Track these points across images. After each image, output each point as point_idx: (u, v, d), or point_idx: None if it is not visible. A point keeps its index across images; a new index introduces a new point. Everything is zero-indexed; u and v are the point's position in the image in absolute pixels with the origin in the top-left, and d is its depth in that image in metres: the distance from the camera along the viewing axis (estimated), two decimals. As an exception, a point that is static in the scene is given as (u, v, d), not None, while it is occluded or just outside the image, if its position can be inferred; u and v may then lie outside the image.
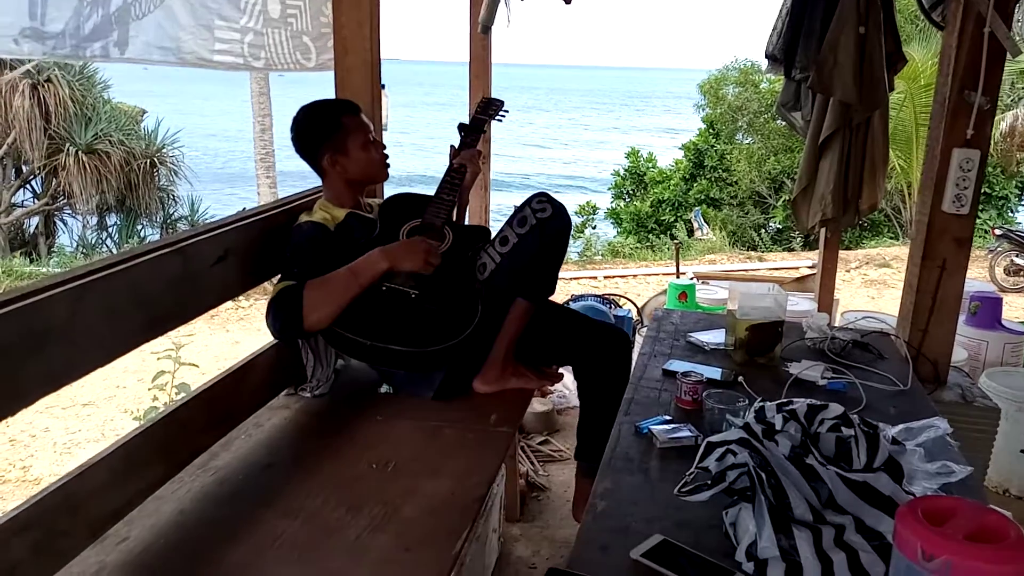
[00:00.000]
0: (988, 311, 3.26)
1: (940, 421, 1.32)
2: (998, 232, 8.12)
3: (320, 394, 1.98)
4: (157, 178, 10.95)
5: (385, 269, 1.78)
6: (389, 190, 2.31)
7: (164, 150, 11.03)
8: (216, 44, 2.98)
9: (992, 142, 9.48)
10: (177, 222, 11.39)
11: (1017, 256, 7.85)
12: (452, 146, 2.13)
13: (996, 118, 9.44)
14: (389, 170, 2.08)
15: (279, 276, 1.83)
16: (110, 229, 11.33)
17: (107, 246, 11.06)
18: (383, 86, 3.86)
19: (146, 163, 10.61)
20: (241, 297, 6.94)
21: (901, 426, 1.31)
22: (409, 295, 1.79)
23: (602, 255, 10.78)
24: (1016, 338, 3.25)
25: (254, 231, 1.87)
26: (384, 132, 3.94)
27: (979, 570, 0.90)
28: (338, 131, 1.95)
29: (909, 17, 8.87)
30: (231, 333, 6.24)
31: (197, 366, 3.82)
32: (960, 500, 1.01)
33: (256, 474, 1.63)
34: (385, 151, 2.06)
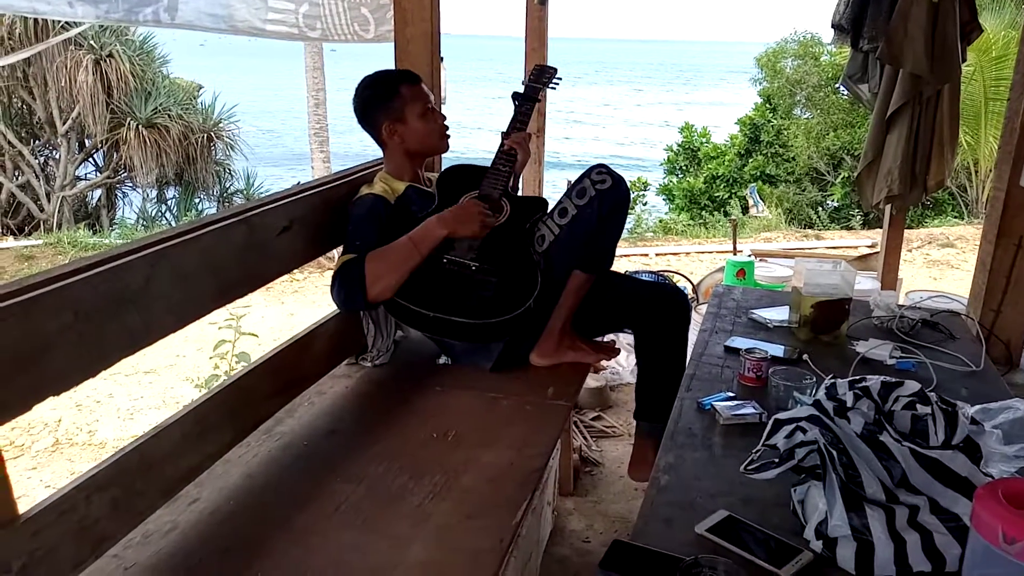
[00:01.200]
0: (1062, 292, 3.13)
1: (1019, 403, 1.28)
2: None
3: (380, 364, 2.01)
4: (214, 152, 11.16)
5: (443, 236, 1.79)
6: (445, 164, 2.32)
7: (221, 124, 11.22)
8: (269, 14, 2.99)
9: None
10: (233, 195, 11.61)
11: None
12: (501, 132, 2.12)
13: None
14: (449, 142, 2.08)
15: (341, 249, 1.85)
16: (169, 202, 11.61)
17: (166, 219, 11.34)
18: (441, 59, 3.86)
19: (203, 137, 10.81)
20: (295, 270, 7.06)
21: (977, 407, 1.27)
22: (469, 267, 1.80)
23: (653, 232, 10.65)
24: (1092, 321, 3.12)
25: (317, 202, 1.90)
26: (442, 106, 3.94)
27: (1063, 554, 0.87)
28: (396, 99, 1.96)
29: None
30: (286, 305, 6.35)
31: (256, 336, 3.90)
32: (1043, 483, 0.98)
33: (320, 440, 1.66)
34: (445, 122, 2.06)
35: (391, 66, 2.30)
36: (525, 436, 1.67)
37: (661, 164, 14.70)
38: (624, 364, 3.36)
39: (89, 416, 4.20)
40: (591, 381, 3.15)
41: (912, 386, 1.12)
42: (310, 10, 3.11)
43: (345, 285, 1.73)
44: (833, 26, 3.14)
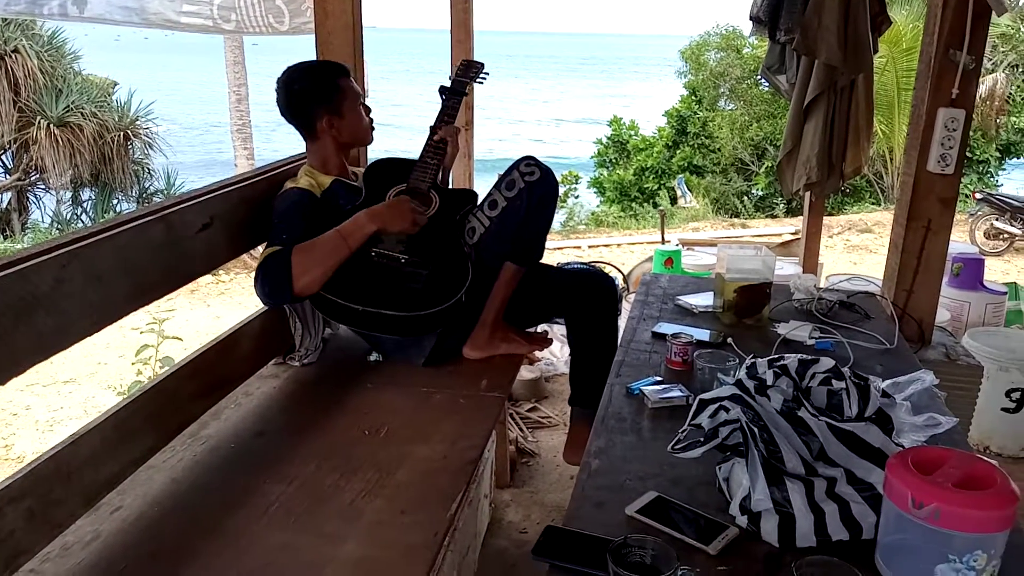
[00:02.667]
0: (970, 272, 3.30)
1: (926, 374, 1.34)
2: (979, 196, 8.19)
3: (309, 363, 1.98)
4: (131, 151, 10.76)
5: (372, 231, 1.78)
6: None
7: (138, 122, 10.83)
8: (184, 5, 2.90)
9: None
10: (153, 195, 11.22)
11: (997, 220, 7.93)
12: (430, 126, 2.10)
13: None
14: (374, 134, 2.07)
15: (265, 244, 1.81)
16: (85, 204, 11.15)
17: (82, 221, 10.88)
18: (362, 53, 3.79)
19: (120, 136, 10.41)
20: (221, 271, 6.88)
21: (888, 381, 1.33)
22: (399, 260, 1.78)
23: (586, 224, 10.77)
24: (997, 299, 3.30)
25: (238, 199, 1.85)
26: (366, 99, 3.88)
27: (966, 515, 0.92)
28: (336, 93, 1.94)
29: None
30: (212, 308, 6.19)
31: (181, 339, 3.79)
32: (948, 450, 1.03)
33: (247, 442, 1.62)
34: (371, 115, 2.05)
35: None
36: (459, 429, 1.67)
37: (591, 157, 14.86)
38: (558, 354, 3.39)
39: (5, 430, 4.01)
40: (526, 372, 3.17)
41: (827, 363, 1.16)
42: (224, 1, 3.03)
43: (270, 277, 1.70)
44: (751, 18, 3.22)
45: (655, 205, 11.23)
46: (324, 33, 2.28)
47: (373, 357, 2.00)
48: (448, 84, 2.16)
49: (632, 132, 13.99)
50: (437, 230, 1.88)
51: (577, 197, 13.21)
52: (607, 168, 14.07)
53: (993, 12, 2.00)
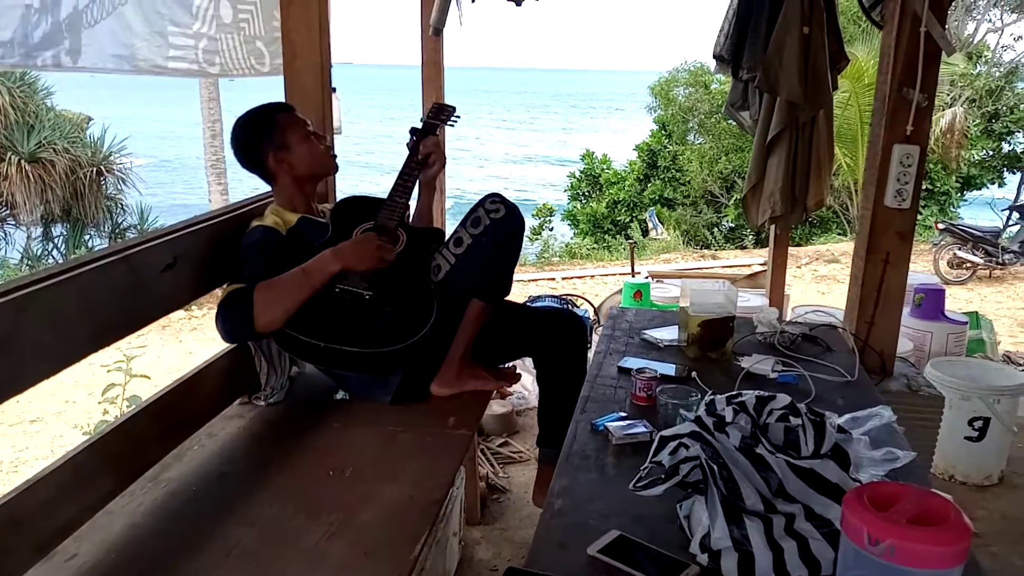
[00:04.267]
0: (932, 303, 3.36)
1: (884, 410, 1.36)
2: (941, 226, 8.37)
3: (275, 402, 1.96)
4: (104, 187, 10.68)
5: (337, 269, 1.77)
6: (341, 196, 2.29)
7: (111, 158, 10.76)
8: (171, 51, 2.94)
9: (933, 139, 9.77)
10: (126, 231, 11.11)
11: (959, 249, 8.10)
12: (412, 131, 2.11)
13: (936, 116, 9.75)
14: (337, 161, 2.08)
15: (228, 282, 1.80)
16: (56, 240, 11.01)
17: (53, 257, 10.74)
18: (333, 89, 3.83)
19: (92, 171, 10.33)
20: (194, 306, 6.81)
21: (847, 416, 1.34)
22: (363, 296, 1.78)
23: (560, 256, 10.83)
24: (958, 328, 3.36)
25: (204, 238, 1.84)
26: (337, 136, 3.91)
27: (922, 552, 0.93)
28: (275, 129, 1.95)
29: (852, 18, 9.10)
30: (184, 343, 6.12)
31: (149, 378, 3.73)
32: (904, 486, 1.04)
33: (210, 485, 1.60)
34: (329, 144, 2.05)
35: (284, 97, 2.28)
36: (425, 468, 1.66)
37: (565, 191, 15.02)
38: (530, 388, 3.39)
39: (-36, 473, 3.91)
40: (497, 407, 3.16)
41: (783, 399, 1.18)
42: (209, 45, 3.07)
43: (232, 314, 1.69)
44: (715, 56, 3.30)
45: (627, 237, 11.33)
46: (293, 73, 2.29)
47: (340, 396, 1.98)
48: (419, 126, 2.18)
49: (604, 166, 14.18)
50: (403, 267, 1.88)
51: (551, 229, 13.32)
52: (580, 201, 14.23)
53: (943, 52, 2.06)
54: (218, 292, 1.82)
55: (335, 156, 2.08)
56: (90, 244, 10.78)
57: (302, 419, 1.88)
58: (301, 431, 1.82)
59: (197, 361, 1.90)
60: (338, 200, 2.12)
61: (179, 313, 6.64)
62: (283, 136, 1.95)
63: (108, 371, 3.60)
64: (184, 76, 3.14)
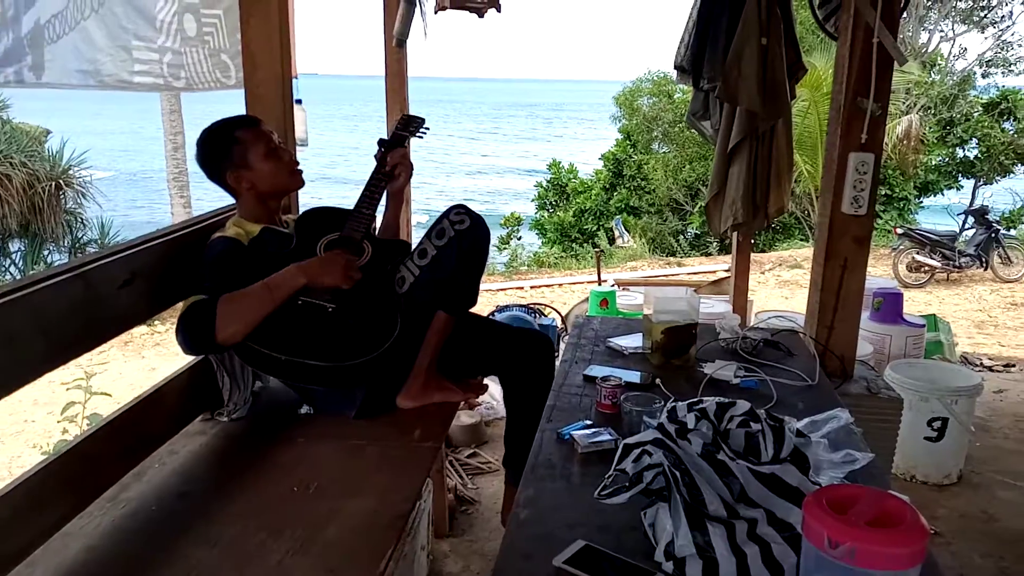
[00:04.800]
0: (890, 306, 3.43)
1: (842, 412, 1.38)
2: (900, 231, 8.56)
3: (238, 418, 1.93)
4: (64, 201, 10.47)
5: (301, 284, 1.75)
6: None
7: (70, 171, 10.56)
8: (135, 66, 2.91)
9: (890, 146, 9.99)
10: (87, 246, 10.91)
11: (918, 253, 8.29)
12: (380, 143, 2.09)
13: (892, 123, 9.97)
14: (303, 176, 2.05)
15: (190, 294, 1.78)
16: (14, 256, 10.77)
17: (11, 273, 10.50)
18: (299, 101, 3.81)
19: (51, 185, 10.13)
20: (156, 321, 6.70)
21: (806, 419, 1.36)
22: (326, 308, 1.76)
23: (528, 265, 10.86)
24: (916, 331, 3.43)
25: (163, 252, 1.82)
26: (303, 147, 3.88)
27: (880, 553, 0.94)
28: (235, 146, 1.92)
29: (810, 28, 9.27)
30: (147, 359, 6.01)
31: (110, 395, 3.65)
32: (862, 488, 1.06)
33: (170, 504, 1.57)
34: (294, 158, 2.03)
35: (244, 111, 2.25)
36: (391, 481, 1.64)
37: (532, 200, 15.09)
38: (498, 398, 3.38)
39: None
40: (465, 418, 3.15)
41: (743, 405, 1.19)
42: (174, 59, 3.04)
43: (193, 327, 1.67)
44: (676, 67, 3.34)
45: (594, 246, 11.41)
46: (253, 85, 2.27)
47: (304, 410, 1.96)
48: (387, 138, 2.17)
49: (571, 175, 14.28)
50: (367, 279, 1.87)
51: (519, 239, 13.37)
52: (548, 210, 14.30)
53: (895, 62, 2.12)
54: (180, 307, 1.79)
55: (300, 171, 2.05)
56: (49, 259, 10.56)
57: (265, 434, 1.86)
58: (264, 447, 1.80)
59: (160, 377, 1.87)
60: (302, 211, 2.11)
61: (141, 328, 6.53)
62: (243, 153, 1.91)
63: (68, 389, 3.52)
64: (150, 91, 3.11)
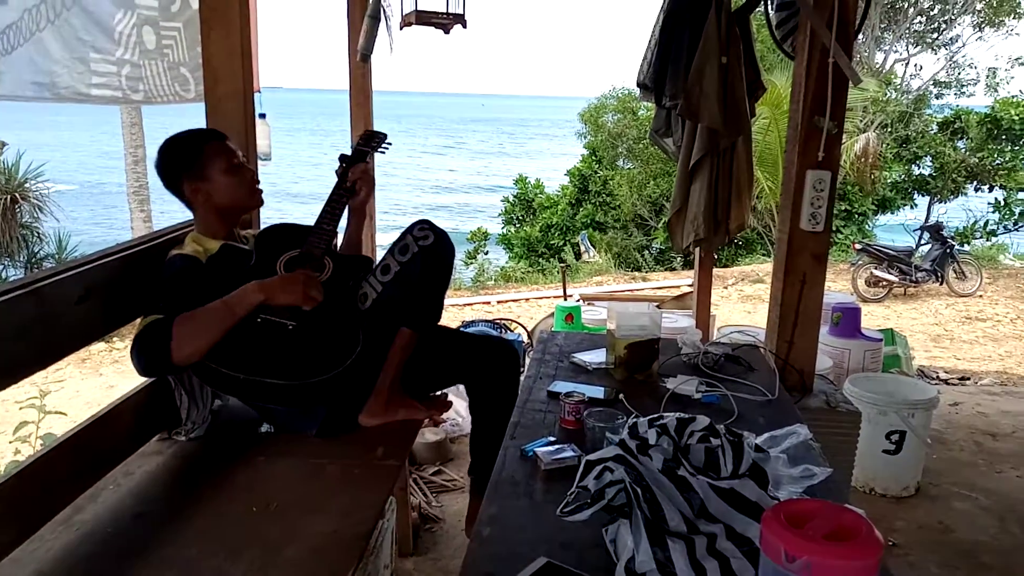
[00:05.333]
0: (849, 321, 3.49)
1: (801, 427, 1.40)
2: (858, 247, 8.74)
3: (196, 437, 1.90)
4: (19, 215, 10.23)
5: (260, 301, 1.72)
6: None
7: (27, 184, 10.32)
8: (93, 78, 2.87)
9: (848, 163, 10.21)
10: (43, 260, 10.66)
11: (876, 268, 8.46)
12: (342, 159, 2.08)
13: (851, 140, 10.19)
14: (263, 196, 2.02)
15: (146, 313, 1.74)
16: (-34, 271, 10.48)
17: (-38, 289, 10.21)
18: (262, 116, 3.78)
19: (6, 199, 9.90)
20: (115, 338, 6.57)
21: (766, 435, 1.38)
22: (286, 326, 1.74)
23: (495, 280, 10.87)
24: (874, 345, 3.50)
25: (120, 268, 1.78)
26: (266, 162, 3.85)
27: (836, 567, 0.95)
28: (198, 157, 1.89)
29: (771, 47, 9.45)
30: (105, 377, 5.88)
31: (65, 414, 3.57)
32: (819, 502, 1.07)
33: (125, 526, 1.53)
34: (256, 176, 2.01)
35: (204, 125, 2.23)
36: (353, 500, 1.62)
37: (500, 214, 15.14)
38: (464, 415, 3.37)
39: None
40: (430, 434, 3.13)
41: (703, 421, 1.20)
42: (132, 71, 3.00)
43: (148, 348, 1.63)
44: (638, 84, 3.38)
45: (561, 260, 11.46)
46: (214, 99, 2.25)
47: (264, 428, 1.93)
48: (349, 153, 2.16)
49: (537, 191, 14.35)
50: (329, 296, 1.85)
51: (487, 253, 13.39)
52: (514, 225, 14.35)
53: (850, 81, 2.17)
54: (138, 323, 1.76)
55: (260, 190, 2.02)
56: (3, 275, 10.30)
57: (224, 454, 1.83)
58: (223, 466, 1.77)
59: (119, 395, 1.83)
60: (263, 227, 2.08)
61: (99, 345, 6.39)
62: (203, 166, 1.88)
63: (21, 408, 3.43)
64: (108, 103, 3.07)
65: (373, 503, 1.61)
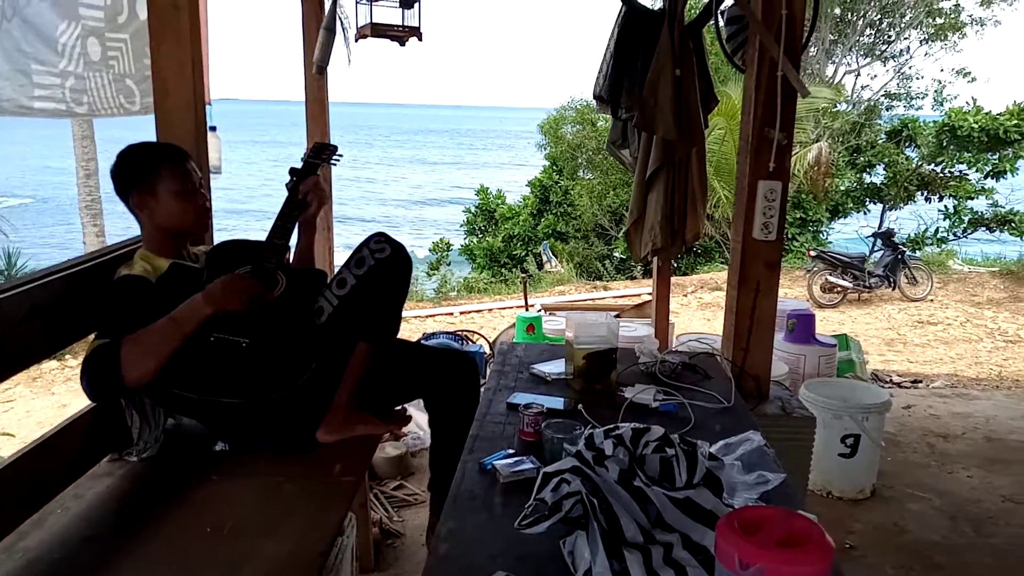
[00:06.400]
0: (803, 327, 3.55)
1: (754, 434, 1.42)
2: (813, 253, 8.91)
3: (148, 457, 1.85)
4: (-36, 232, 9.94)
5: (209, 313, 1.68)
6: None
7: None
8: (36, 90, 2.80)
9: (802, 171, 10.42)
10: (-10, 278, 10.37)
11: (831, 275, 8.63)
12: (292, 172, 2.05)
13: (804, 150, 10.41)
14: (210, 222, 1.98)
15: (94, 335, 1.70)
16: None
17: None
18: (213, 128, 3.72)
19: (-51, 216, 9.62)
20: (67, 355, 6.40)
21: (720, 442, 1.39)
22: (239, 344, 1.71)
23: (457, 291, 10.84)
24: (828, 350, 3.56)
25: (66, 286, 1.74)
26: (216, 176, 3.79)
27: (788, 573, 0.96)
28: (150, 173, 1.84)
29: (725, 59, 9.63)
30: (57, 396, 5.72)
31: (13, 435, 3.47)
32: (772, 509, 1.08)
33: (74, 551, 1.49)
34: (207, 203, 1.96)
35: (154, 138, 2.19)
36: (310, 519, 1.60)
37: (461, 225, 15.13)
38: (425, 428, 3.35)
39: None
40: (391, 449, 3.10)
41: (658, 430, 1.21)
42: (76, 84, 2.94)
43: (97, 373, 1.59)
44: (595, 97, 3.41)
45: (523, 271, 11.49)
46: (164, 112, 2.21)
47: (219, 447, 1.90)
48: (299, 166, 2.13)
49: (499, 201, 14.39)
50: (282, 312, 1.82)
51: (449, 264, 13.36)
52: (477, 236, 14.35)
53: (799, 94, 2.21)
54: (91, 338, 1.72)
55: (209, 219, 1.97)
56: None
57: (178, 474, 1.79)
58: (177, 487, 1.73)
59: (72, 414, 1.78)
60: (214, 244, 2.05)
61: (51, 363, 6.22)
62: (155, 182, 1.83)
63: (-36, 431, 3.33)
64: (51, 116, 3.00)
65: (331, 521, 1.59)
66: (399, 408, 2.20)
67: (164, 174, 1.84)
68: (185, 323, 1.66)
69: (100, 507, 1.66)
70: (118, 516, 1.64)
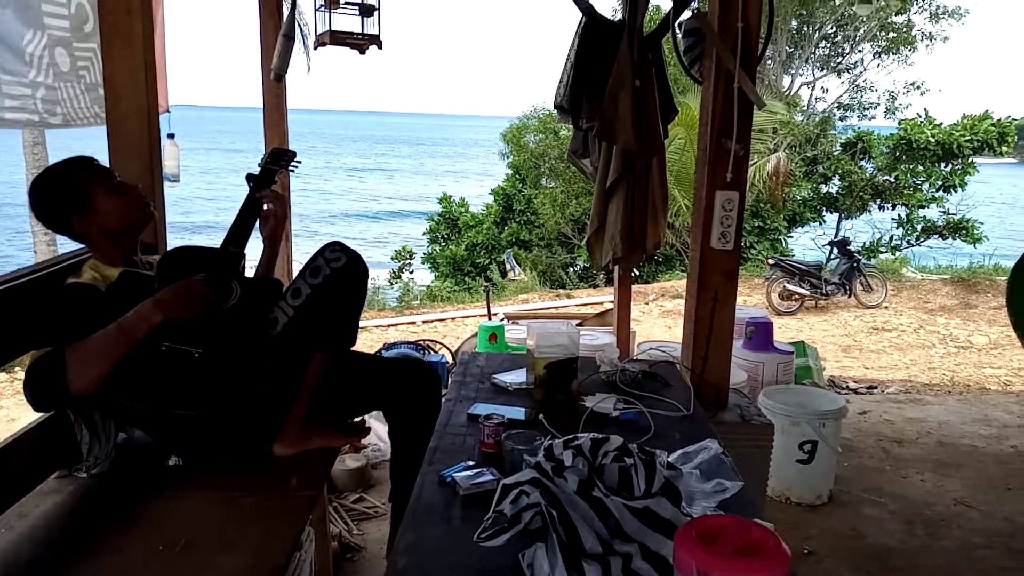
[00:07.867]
0: (762, 335, 3.61)
1: (712, 443, 1.43)
2: (771, 262, 9.05)
3: (99, 472, 1.80)
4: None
5: (158, 321, 1.64)
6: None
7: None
8: (5, 101, 2.72)
9: (761, 181, 10.59)
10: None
11: (789, 283, 8.77)
12: (248, 178, 2.01)
13: (762, 160, 10.58)
14: (152, 209, 1.94)
15: (40, 347, 1.65)
16: None
17: None
18: (171, 136, 3.66)
19: None
20: (16, 367, 6.22)
21: (679, 451, 1.40)
22: (192, 354, 1.67)
23: (420, 300, 10.79)
24: (786, 358, 3.62)
25: (9, 298, 1.69)
26: (175, 184, 3.72)
27: (745, 581, 0.97)
28: (80, 192, 1.79)
29: (685, 71, 9.75)
30: (5, 410, 5.55)
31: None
32: (730, 518, 1.09)
33: (18, 573, 1.44)
34: (141, 192, 1.92)
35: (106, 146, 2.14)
36: (267, 534, 1.57)
37: (424, 233, 15.09)
38: (386, 440, 3.32)
39: None
40: (351, 461, 3.07)
41: (616, 440, 1.21)
42: (48, 94, 2.86)
43: (41, 381, 1.54)
44: (556, 107, 3.42)
45: (487, 279, 11.48)
46: (116, 119, 2.16)
47: (172, 461, 1.85)
48: (256, 172, 2.09)
49: (462, 210, 14.37)
50: (236, 322, 1.79)
51: (412, 272, 13.30)
52: (440, 244, 14.31)
53: (755, 106, 2.25)
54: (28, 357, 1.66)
55: (148, 204, 1.93)
56: None
57: (129, 489, 1.74)
58: (129, 503, 1.68)
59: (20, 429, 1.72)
60: (166, 251, 2.00)
61: (-1, 376, 6.04)
62: (86, 195, 1.79)
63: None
64: (24, 127, 2.94)
65: (288, 536, 1.56)
66: (358, 420, 2.18)
67: (88, 182, 1.80)
68: (133, 329, 1.61)
69: (45, 526, 1.61)
70: (66, 535, 1.59)
